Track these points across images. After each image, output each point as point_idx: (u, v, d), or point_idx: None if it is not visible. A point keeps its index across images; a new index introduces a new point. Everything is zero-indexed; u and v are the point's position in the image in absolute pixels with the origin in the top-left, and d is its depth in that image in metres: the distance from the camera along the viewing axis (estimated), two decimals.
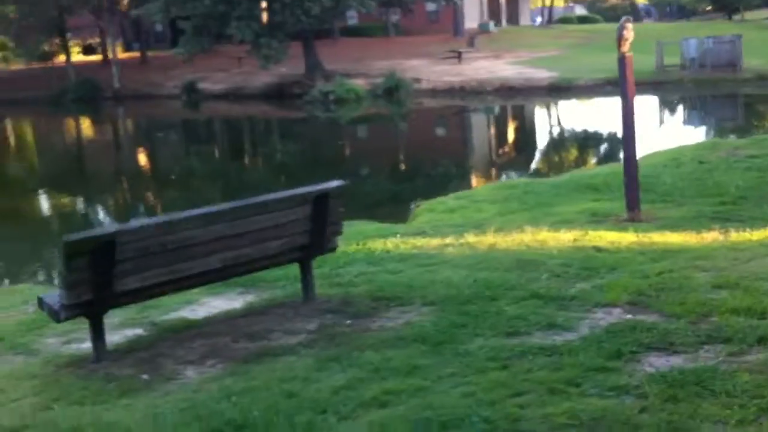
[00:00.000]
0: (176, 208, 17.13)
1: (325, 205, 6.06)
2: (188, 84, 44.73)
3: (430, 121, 31.62)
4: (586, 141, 23.31)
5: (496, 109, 33.51)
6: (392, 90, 35.57)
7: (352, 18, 54.49)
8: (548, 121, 30.54)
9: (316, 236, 6.14)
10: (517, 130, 28.19)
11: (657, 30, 51.16)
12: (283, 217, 5.97)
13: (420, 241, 8.19)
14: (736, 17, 61.15)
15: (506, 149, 23.93)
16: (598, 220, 8.64)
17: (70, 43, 62.18)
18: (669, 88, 30.70)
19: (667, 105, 29.06)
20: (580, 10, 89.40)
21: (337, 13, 38.81)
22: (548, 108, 32.52)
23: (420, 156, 22.64)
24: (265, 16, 36.30)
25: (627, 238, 7.54)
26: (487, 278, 6.42)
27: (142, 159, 28.16)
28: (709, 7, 68.72)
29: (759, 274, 6.05)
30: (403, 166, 21.49)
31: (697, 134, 20.77)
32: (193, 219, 5.69)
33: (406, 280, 6.58)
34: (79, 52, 60.72)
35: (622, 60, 8.40)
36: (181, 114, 41.62)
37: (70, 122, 42.68)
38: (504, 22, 61.23)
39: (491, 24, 52.46)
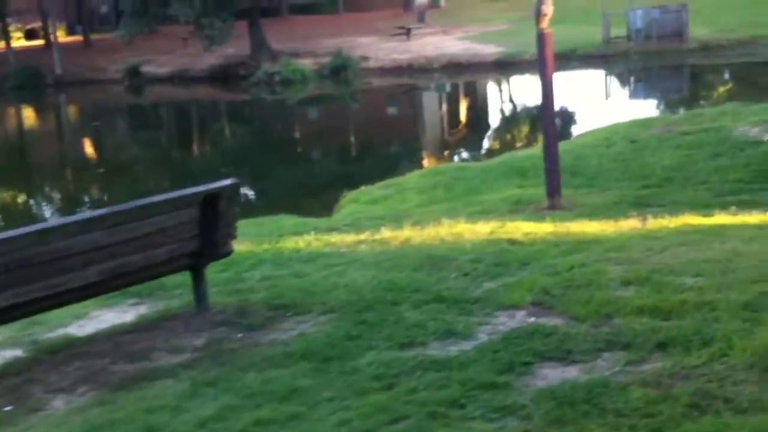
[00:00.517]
0: (116, 199, 16.79)
1: (216, 207, 5.68)
2: (131, 68, 43.62)
3: (376, 101, 31.17)
4: (530, 118, 23.06)
5: (446, 87, 33.20)
6: (339, 70, 35.01)
7: None
8: (494, 99, 30.30)
9: (207, 241, 5.77)
10: (462, 109, 27.92)
11: None
12: (169, 221, 5.59)
13: (334, 238, 7.87)
14: None
15: (452, 129, 23.60)
16: (519, 208, 8.38)
17: (12, 28, 60.79)
18: (616, 61, 30.59)
19: (612, 79, 28.95)
20: None
21: None
22: (496, 84, 32.29)
23: (363, 138, 22.29)
24: None
25: (544, 228, 7.29)
26: (392, 279, 6.11)
27: (76, 149, 27.42)
28: None
29: (671, 266, 5.82)
30: (345, 150, 21.07)
31: (638, 109, 20.54)
32: (68, 227, 5.30)
33: (309, 285, 6.25)
34: (20, 38, 59.02)
35: (540, 37, 8.11)
36: (124, 99, 40.72)
37: (7, 111, 41.48)
38: None
39: None
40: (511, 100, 28.40)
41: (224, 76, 39.56)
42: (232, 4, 36.38)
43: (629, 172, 9.49)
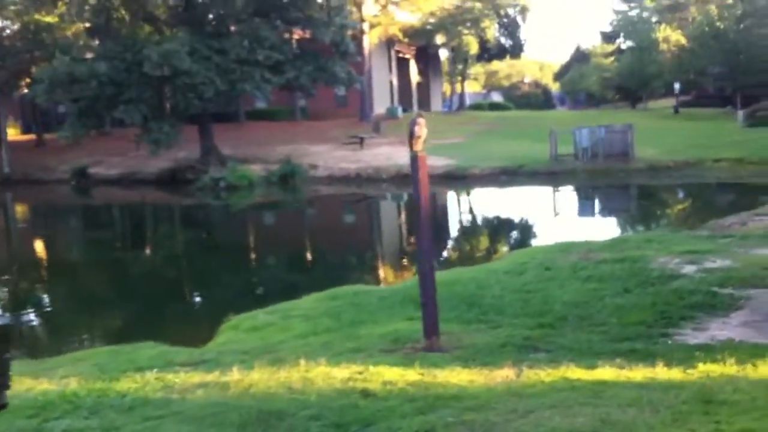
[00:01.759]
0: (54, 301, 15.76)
1: None
2: (78, 168, 43.02)
3: (321, 210, 30.59)
4: (489, 231, 22.25)
5: (395, 197, 32.68)
6: (287, 177, 34.59)
7: (261, 101, 53.80)
8: (445, 210, 29.66)
9: None
10: (397, 221, 27.26)
11: (564, 118, 51.92)
12: None
13: (178, 378, 6.88)
14: (640, 106, 62.54)
15: (383, 243, 22.77)
16: (395, 347, 7.48)
17: None
18: (563, 178, 30.37)
19: (555, 197, 28.56)
20: (496, 97, 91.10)
21: (231, 97, 37.92)
22: (447, 196, 31.79)
23: (299, 249, 21.41)
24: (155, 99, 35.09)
25: (408, 376, 6.37)
26: None
27: (10, 247, 26.20)
28: (617, 96, 70.34)
29: None
30: (278, 261, 20.09)
31: (577, 228, 19.98)
32: None
33: None
34: None
35: (414, 159, 7.41)
36: (68, 200, 39.75)
37: None
38: (415, 107, 61.42)
39: (399, 109, 52.26)
40: (474, 212, 27.64)
41: (172, 179, 38.98)
42: (180, 110, 35.99)
43: (528, 307, 8.68)
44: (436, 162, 34.55)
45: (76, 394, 6.47)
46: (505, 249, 16.96)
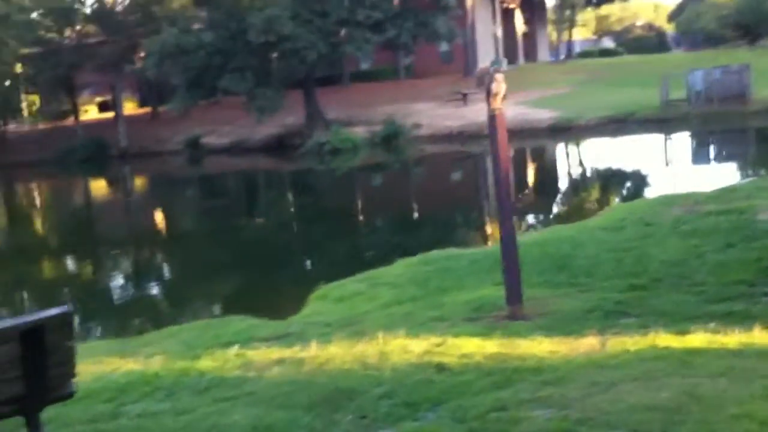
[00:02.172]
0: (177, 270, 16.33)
1: (41, 342, 4.73)
2: (191, 139, 44.11)
3: (419, 170, 30.36)
4: (600, 184, 21.48)
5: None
6: (391, 138, 34.41)
7: (365, 62, 53.68)
8: (554, 164, 28.90)
9: (35, 384, 4.82)
10: (526, 175, 26.61)
11: (679, 60, 49.60)
12: None
13: (258, 354, 6.84)
14: (760, 44, 59.14)
15: (489, 202, 22.28)
16: (478, 316, 7.23)
17: (87, 101, 62.62)
18: (675, 125, 29.04)
19: (667, 145, 27.35)
20: (608, 43, 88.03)
21: (333, 60, 37.85)
22: (553, 149, 30.96)
23: (395, 211, 21.28)
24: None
25: (487, 348, 6.12)
26: (271, 425, 5.05)
27: (131, 219, 27.12)
28: (736, 35, 66.71)
29: (607, 413, 4.62)
30: (369, 226, 20.01)
31: (690, 178, 19.05)
32: None
33: (178, 429, 5.23)
34: (87, 110, 60.46)
35: (492, 118, 7.06)
36: (181, 170, 40.85)
37: (72, 183, 42.05)
38: (521, 59, 60.05)
39: (504, 62, 51.13)
40: (580, 165, 26.72)
41: (279, 145, 39.48)
42: (284, 75, 36.24)
43: (622, 267, 8.24)
44: (542, 114, 33.78)
45: (157, 374, 6.52)
46: (610, 203, 16.30)
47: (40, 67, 50.24)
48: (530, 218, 17.73)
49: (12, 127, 58.52)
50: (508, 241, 7.08)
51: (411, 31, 36.17)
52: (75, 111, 52.73)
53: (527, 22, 61.73)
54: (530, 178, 25.94)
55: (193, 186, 34.79)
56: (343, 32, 34.83)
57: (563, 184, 22.49)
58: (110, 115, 58.01)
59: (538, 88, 43.11)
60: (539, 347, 6.03)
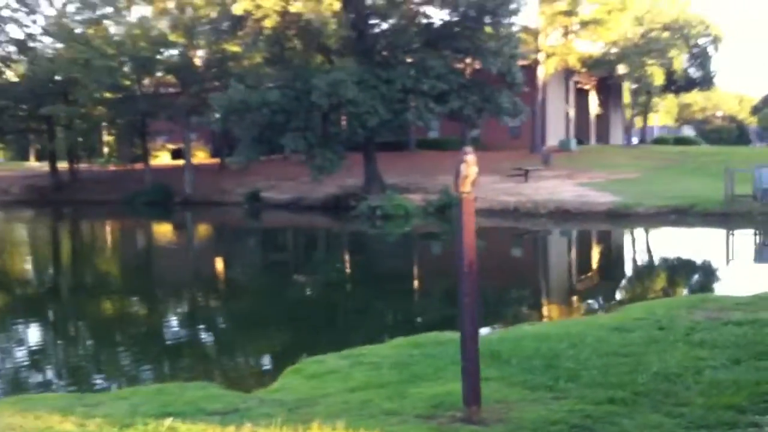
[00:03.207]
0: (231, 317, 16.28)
1: None
2: (252, 193, 44.56)
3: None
4: (662, 271, 20.47)
5: (554, 232, 31.16)
6: (444, 207, 33.91)
7: (434, 131, 53.71)
8: (585, 252, 27.82)
9: None
10: (584, 258, 25.75)
11: (754, 155, 48.17)
12: None
13: (186, 430, 6.34)
14: None
15: (536, 282, 21.48)
16: (431, 414, 6.58)
17: (161, 147, 64.12)
18: (737, 220, 27.82)
19: (728, 240, 26.09)
20: (688, 131, 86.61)
21: (394, 126, 37.77)
22: (601, 237, 29.93)
23: (441, 283, 20.68)
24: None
25: None
26: None
27: (187, 264, 27.15)
28: None
29: None
30: (412, 296, 19.39)
31: (731, 279, 17.93)
32: None
33: None
34: (158, 156, 61.75)
35: (459, 202, 6.52)
36: (236, 222, 41.05)
37: (133, 225, 42.64)
38: (593, 140, 59.26)
39: (572, 142, 50.48)
40: (626, 253, 25.65)
41: (336, 205, 39.42)
42: (345, 138, 36.32)
43: (610, 375, 7.47)
44: (600, 198, 32.90)
45: None
46: (640, 297, 15.35)
47: (118, 111, 51.74)
48: (553, 305, 16.93)
49: (84, 166, 60.12)
50: (468, 339, 6.46)
51: (476, 104, 35.94)
52: (145, 156, 53.91)
53: (602, 104, 61.03)
54: (570, 262, 25.02)
55: (246, 238, 34.85)
56: (405, 100, 34.75)
57: (601, 272, 21.52)
58: (181, 162, 59.30)
59: (604, 170, 42.29)
60: None
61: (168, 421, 6.59)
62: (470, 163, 6.48)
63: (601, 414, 6.37)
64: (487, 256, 26.45)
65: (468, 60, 38.11)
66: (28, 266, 27.73)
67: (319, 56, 39.07)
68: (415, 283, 21.07)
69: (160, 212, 46.13)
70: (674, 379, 7.21)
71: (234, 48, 44.33)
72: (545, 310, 15.99)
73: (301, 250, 30.29)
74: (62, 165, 58.31)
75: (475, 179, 6.60)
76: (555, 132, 52.11)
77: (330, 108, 34.47)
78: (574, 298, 17.55)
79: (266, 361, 11.53)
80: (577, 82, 56.59)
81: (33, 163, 67.52)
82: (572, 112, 55.76)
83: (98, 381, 11.31)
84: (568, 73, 53.21)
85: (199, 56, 49.95)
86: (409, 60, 36.09)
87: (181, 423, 6.59)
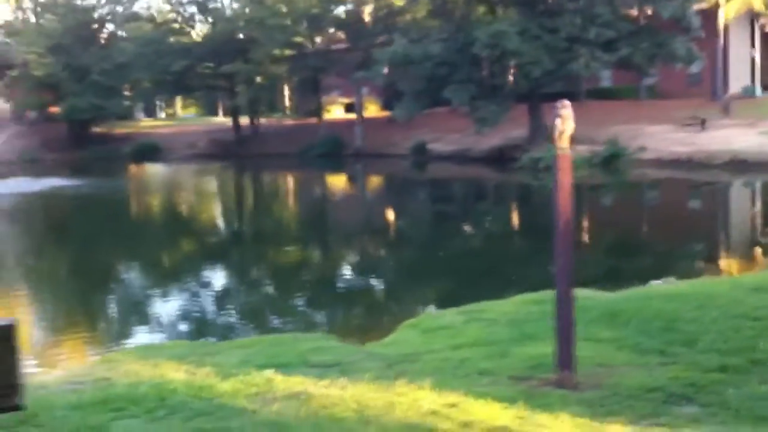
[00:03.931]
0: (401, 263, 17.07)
1: None
2: (417, 145, 44.77)
3: (639, 195, 28.51)
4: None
5: (732, 185, 29.33)
6: (611, 159, 32.70)
7: (606, 80, 51.71)
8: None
9: None
10: (745, 212, 24.26)
11: None
12: None
13: (284, 382, 6.49)
14: None
15: (705, 235, 20.30)
16: (524, 376, 6.38)
17: (334, 101, 65.52)
18: None
19: None
20: None
21: (558, 76, 36.58)
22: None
23: (602, 236, 20.20)
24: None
25: (499, 419, 5.34)
26: None
27: (361, 214, 28.08)
28: None
29: None
30: (594, 246, 18.90)
31: None
32: None
33: None
34: (330, 111, 62.92)
35: (555, 158, 6.20)
36: (402, 173, 41.55)
37: (310, 175, 44.21)
38: None
39: (758, 88, 47.06)
40: None
41: (500, 157, 38.98)
42: (508, 89, 35.63)
43: (732, 340, 6.93)
44: None
45: (175, 390, 6.34)
46: None
47: (292, 68, 53.31)
48: (722, 261, 15.97)
49: (264, 121, 62.44)
50: (563, 301, 6.17)
51: (646, 51, 34.15)
52: (319, 111, 55.33)
53: None
54: (748, 215, 23.50)
55: (412, 190, 35.35)
56: (570, 49, 33.53)
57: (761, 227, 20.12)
58: (353, 116, 60.35)
59: None
60: (560, 428, 5.16)
61: (267, 373, 6.75)
62: (566, 118, 6.12)
63: (706, 382, 5.95)
64: (660, 209, 25.51)
65: (638, 5, 36.18)
66: (215, 213, 29.64)
67: (481, 7, 38.38)
68: (591, 234, 20.53)
69: (332, 164, 47.46)
70: None
71: (399, 2, 44.37)
72: (708, 267, 15.07)
73: (462, 203, 30.32)
74: (245, 120, 60.95)
75: (572, 133, 6.21)
76: (739, 78, 48.69)
77: (492, 60, 33.90)
78: (745, 254, 16.53)
79: (397, 313, 11.59)
80: (763, 25, 52.47)
81: (220, 119, 70.77)
82: (758, 57, 51.86)
83: (239, 328, 11.85)
84: (753, 15, 49.44)
85: (367, 12, 50.41)
86: (573, 7, 34.69)
87: (280, 375, 6.73)
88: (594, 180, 31.50)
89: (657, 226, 21.84)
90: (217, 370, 7.03)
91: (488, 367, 6.71)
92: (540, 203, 27.94)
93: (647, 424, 5.15)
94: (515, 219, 24.66)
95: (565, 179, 6.16)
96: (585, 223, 23.08)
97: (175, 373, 7.01)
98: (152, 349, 8.44)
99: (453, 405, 5.63)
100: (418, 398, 5.80)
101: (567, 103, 6.24)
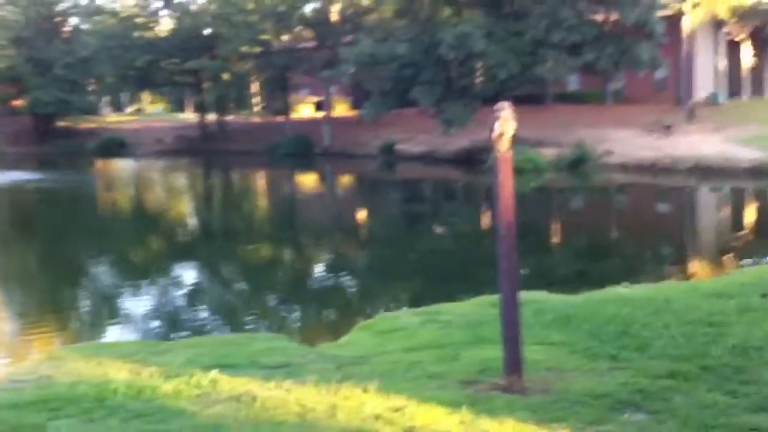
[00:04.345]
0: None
1: None
2: (386, 145, 44.62)
3: (604, 198, 28.66)
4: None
5: (699, 191, 29.57)
6: (577, 162, 32.83)
7: (573, 83, 51.94)
8: (730, 209, 26.15)
9: None
10: (709, 217, 24.46)
11: None
12: None
13: (230, 383, 6.35)
14: None
15: (662, 245, 20.39)
16: (473, 380, 6.29)
17: (303, 100, 65.20)
18: None
19: None
20: None
21: (526, 79, 36.69)
22: (737, 194, 28.08)
23: (568, 238, 20.24)
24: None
25: (442, 424, 5.25)
26: None
27: (327, 212, 27.98)
28: None
29: None
30: (538, 250, 18.84)
31: None
32: None
33: None
34: (298, 109, 62.59)
35: (495, 161, 6.11)
36: (370, 174, 41.45)
37: (277, 174, 43.98)
38: (747, 93, 55.64)
39: (721, 95, 47.57)
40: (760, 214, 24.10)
41: (468, 158, 38.94)
42: (474, 91, 35.64)
43: (683, 346, 6.86)
44: (742, 153, 30.90)
45: (115, 391, 6.18)
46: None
47: (258, 65, 52.94)
48: (684, 265, 16.07)
49: (231, 118, 61.97)
50: (508, 304, 6.08)
51: (611, 56, 34.35)
52: (286, 109, 55.05)
53: (757, 55, 57.00)
54: (714, 221, 23.71)
55: (381, 190, 35.39)
56: (535, 53, 33.61)
57: (728, 234, 20.23)
58: (322, 114, 60.09)
59: (756, 124, 39.64)
60: None
61: (212, 374, 6.60)
62: (506, 119, 6.02)
63: (655, 389, 5.88)
64: (626, 213, 25.67)
65: (604, 10, 36.38)
66: (183, 210, 29.40)
67: (447, 9, 38.36)
68: (535, 238, 20.48)
69: (301, 163, 47.17)
70: (752, 354, 6.58)
71: (367, 0, 44.21)
72: (670, 271, 15.09)
73: (430, 203, 30.36)
74: (212, 117, 60.43)
75: (513, 136, 6.12)
76: (704, 85, 49.15)
77: (459, 61, 33.87)
78: (708, 259, 16.63)
79: (359, 313, 11.50)
80: (727, 33, 53.06)
81: (188, 115, 70.15)
82: (722, 65, 52.42)
83: (194, 327, 11.68)
84: (717, 23, 49.95)
85: (334, 11, 50.20)
86: (539, 11, 34.76)
87: (225, 376, 6.58)
88: (560, 183, 31.64)
89: (623, 230, 21.93)
90: (162, 370, 6.88)
91: (438, 370, 6.61)
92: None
93: (592, 431, 5.06)
94: (482, 220, 24.64)
95: (506, 181, 6.09)
96: (552, 226, 23.20)
97: (119, 373, 6.85)
98: (99, 348, 8.25)
99: (398, 409, 5.53)
100: (363, 402, 5.69)
101: (505, 104, 6.14)
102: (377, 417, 5.38)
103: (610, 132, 38.64)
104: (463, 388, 6.08)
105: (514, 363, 5.97)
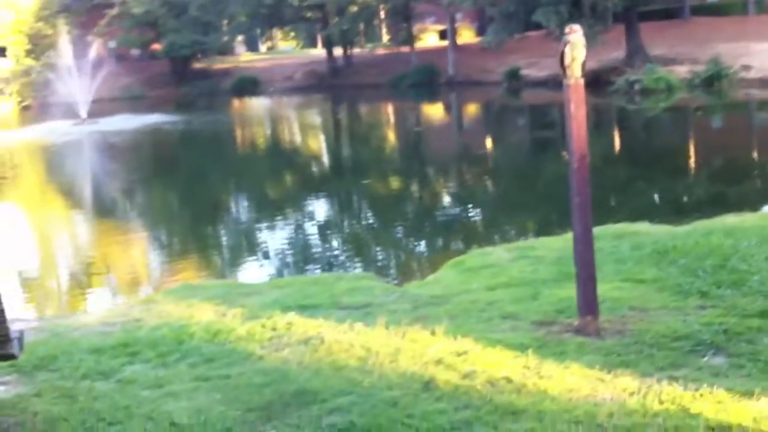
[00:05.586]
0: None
1: None
2: (511, 71, 43.59)
3: (740, 118, 27.02)
4: None
5: None
6: (712, 79, 31.03)
7: None
8: None
9: None
10: None
11: None
12: None
13: (303, 325, 6.38)
14: None
15: None
16: (547, 321, 6.05)
17: (426, 29, 64.33)
18: None
19: None
20: None
21: None
22: None
23: (689, 164, 19.29)
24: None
25: (504, 369, 5.07)
26: (198, 424, 4.60)
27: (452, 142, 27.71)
28: None
29: None
30: (655, 180, 18.01)
31: None
32: None
33: (101, 410, 4.93)
34: (423, 39, 61.70)
35: (566, 89, 5.73)
36: (496, 100, 40.69)
37: (402, 105, 43.80)
38: None
39: None
40: None
41: (595, 81, 37.42)
42: (602, 9, 33.99)
43: None
44: None
45: (192, 335, 6.31)
46: None
47: None
48: None
49: (357, 51, 61.96)
50: (581, 242, 5.75)
51: None
52: (411, 39, 54.50)
53: None
54: None
55: (507, 117, 34.79)
56: None
57: None
58: (446, 43, 59.16)
59: None
60: (568, 378, 4.85)
61: (288, 316, 6.65)
62: (576, 44, 5.61)
63: (741, 329, 5.48)
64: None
65: None
66: (316, 146, 30.03)
67: None
68: (663, 162, 19.55)
69: (426, 93, 46.83)
70: None
71: None
72: None
73: (558, 129, 29.52)
74: (339, 51, 60.66)
75: (585, 62, 5.71)
76: None
77: None
78: None
79: (458, 249, 11.32)
80: None
81: (318, 50, 70.59)
82: None
83: (293, 266, 11.86)
84: None
85: None
86: None
87: (301, 318, 6.61)
88: (694, 102, 30.07)
89: (761, 150, 20.64)
90: (244, 312, 6.99)
91: (514, 310, 6.40)
92: (636, 128, 26.95)
93: (661, 378, 4.77)
94: (611, 145, 23.75)
95: (578, 111, 5.71)
96: (682, 148, 22.15)
97: (203, 315, 6.99)
98: (192, 289, 8.45)
99: (461, 353, 5.38)
100: (428, 345, 5.58)
101: (576, 27, 5.72)
102: (438, 362, 5.26)
103: (750, 45, 36.22)
104: (536, 329, 5.87)
105: (588, 304, 5.69)
